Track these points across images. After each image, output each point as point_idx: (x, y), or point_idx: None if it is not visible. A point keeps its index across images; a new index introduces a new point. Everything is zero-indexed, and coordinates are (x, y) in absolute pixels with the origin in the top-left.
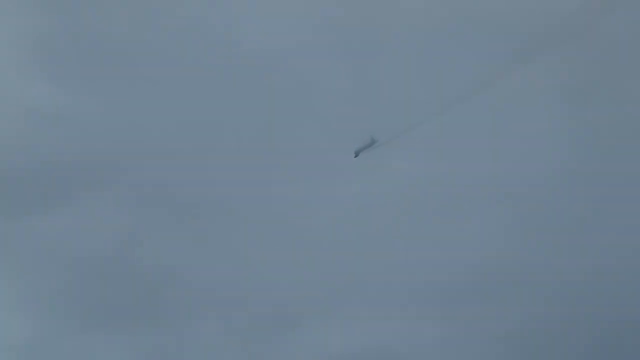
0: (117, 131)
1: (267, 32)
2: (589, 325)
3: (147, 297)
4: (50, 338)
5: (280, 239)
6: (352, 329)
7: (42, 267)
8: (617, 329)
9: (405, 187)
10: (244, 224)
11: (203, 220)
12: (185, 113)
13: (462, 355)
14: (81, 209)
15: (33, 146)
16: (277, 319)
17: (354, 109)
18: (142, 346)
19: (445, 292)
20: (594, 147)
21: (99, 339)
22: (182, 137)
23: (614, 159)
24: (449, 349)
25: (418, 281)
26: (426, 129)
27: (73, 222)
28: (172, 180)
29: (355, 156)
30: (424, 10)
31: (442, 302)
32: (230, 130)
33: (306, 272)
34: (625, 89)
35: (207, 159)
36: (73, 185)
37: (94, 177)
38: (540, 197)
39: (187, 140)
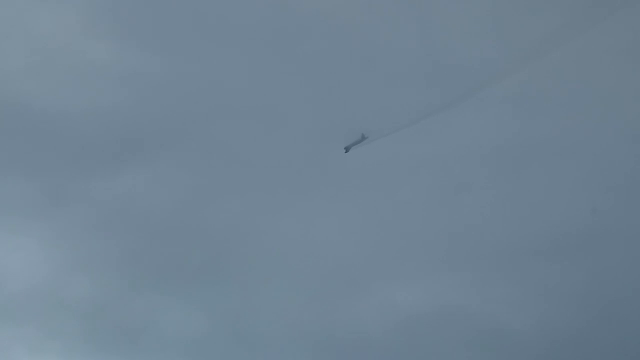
0: (185, 91)
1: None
2: None
3: (215, 257)
4: (117, 298)
5: (351, 200)
6: (422, 289)
7: (110, 227)
8: None
9: (477, 146)
10: (312, 186)
11: (271, 180)
12: (251, 73)
13: (532, 314)
14: (149, 169)
15: (101, 107)
16: (347, 279)
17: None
18: (210, 306)
19: (514, 251)
20: None
21: (166, 299)
22: (249, 97)
23: None
24: (518, 308)
25: (488, 241)
26: (500, 88)
27: (141, 182)
28: (239, 141)
29: (346, 152)
30: None
31: (511, 261)
32: (297, 91)
33: (376, 231)
34: None
35: (276, 121)
36: (141, 146)
37: (161, 137)
38: (612, 157)
39: (256, 100)
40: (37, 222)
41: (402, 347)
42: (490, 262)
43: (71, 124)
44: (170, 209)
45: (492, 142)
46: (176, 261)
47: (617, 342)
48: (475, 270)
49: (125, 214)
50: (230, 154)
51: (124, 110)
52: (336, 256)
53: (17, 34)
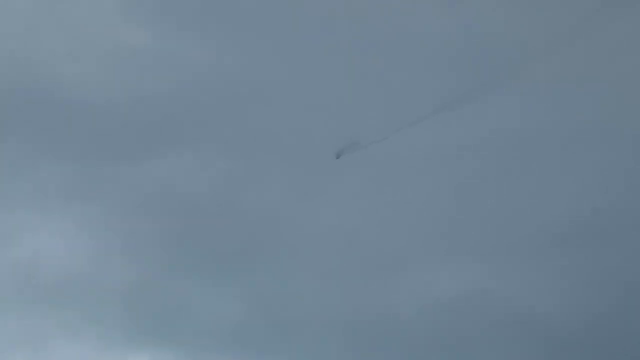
0: (224, 76)
1: None
2: None
3: (253, 242)
4: (154, 283)
5: (384, 186)
6: (451, 274)
7: (148, 212)
8: None
9: (505, 133)
10: (347, 171)
11: (307, 166)
12: (292, 58)
13: (557, 297)
14: (187, 154)
15: (141, 92)
16: (380, 264)
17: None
18: (247, 291)
19: (540, 236)
20: None
21: (204, 284)
22: (288, 83)
23: None
24: (544, 292)
25: (514, 227)
26: (533, 72)
27: (180, 167)
28: (277, 127)
29: (337, 157)
30: None
31: (536, 246)
32: (333, 78)
33: (408, 218)
34: None
35: (312, 107)
36: (180, 130)
37: (200, 122)
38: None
39: (294, 85)
40: (76, 206)
41: (434, 329)
42: (516, 247)
43: (110, 109)
44: (208, 195)
45: (517, 129)
46: (214, 246)
47: None
48: (503, 255)
49: (163, 199)
50: (267, 140)
51: (164, 95)
52: (370, 242)
53: (54, 19)
